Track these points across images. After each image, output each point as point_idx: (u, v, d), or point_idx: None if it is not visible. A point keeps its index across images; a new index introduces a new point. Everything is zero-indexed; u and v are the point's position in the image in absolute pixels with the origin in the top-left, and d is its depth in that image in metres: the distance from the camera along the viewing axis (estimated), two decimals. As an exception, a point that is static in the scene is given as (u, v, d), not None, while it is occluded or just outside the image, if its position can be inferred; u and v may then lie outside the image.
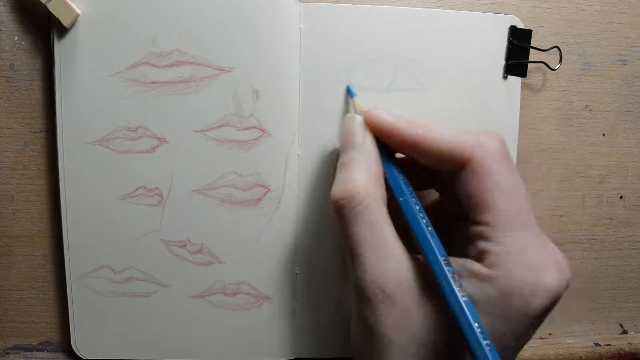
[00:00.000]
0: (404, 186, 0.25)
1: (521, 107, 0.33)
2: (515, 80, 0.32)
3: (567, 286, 0.23)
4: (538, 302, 0.22)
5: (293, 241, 0.32)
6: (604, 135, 0.36)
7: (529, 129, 0.35)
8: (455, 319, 0.21)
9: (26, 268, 0.33)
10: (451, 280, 0.22)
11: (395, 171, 0.26)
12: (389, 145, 0.26)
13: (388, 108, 0.31)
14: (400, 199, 0.25)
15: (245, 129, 0.31)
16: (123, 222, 0.31)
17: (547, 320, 0.38)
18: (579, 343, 0.37)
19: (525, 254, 0.22)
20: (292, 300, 0.33)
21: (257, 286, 0.32)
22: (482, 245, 0.23)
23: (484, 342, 0.21)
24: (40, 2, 0.28)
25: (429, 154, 0.25)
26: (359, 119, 0.26)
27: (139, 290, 0.32)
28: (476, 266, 0.23)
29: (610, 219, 0.37)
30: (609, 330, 0.38)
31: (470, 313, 0.21)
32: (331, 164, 0.31)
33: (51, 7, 0.28)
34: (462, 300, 0.21)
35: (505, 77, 0.32)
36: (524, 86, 0.34)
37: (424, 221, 0.24)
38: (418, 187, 0.27)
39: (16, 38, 0.31)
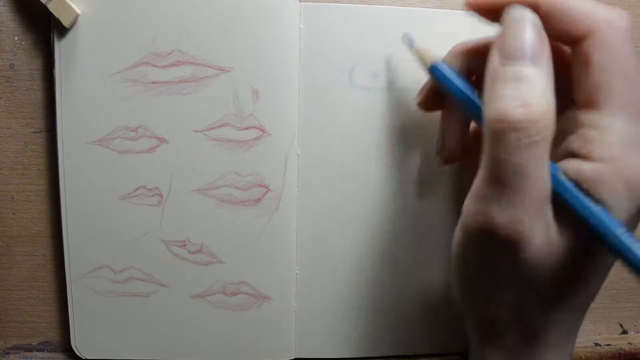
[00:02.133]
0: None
1: (521, 107, 0.33)
2: (514, 80, 0.32)
3: None
4: None
5: (293, 241, 0.32)
6: (603, 135, 0.36)
7: (529, 129, 0.35)
8: (595, 231, 0.20)
9: (26, 268, 0.33)
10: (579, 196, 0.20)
11: None
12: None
13: (388, 108, 0.31)
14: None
15: (245, 128, 0.31)
16: (123, 222, 0.31)
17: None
18: (579, 343, 0.37)
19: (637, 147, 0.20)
20: (292, 300, 0.33)
21: (257, 286, 0.32)
22: (591, 133, 0.21)
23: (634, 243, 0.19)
24: (41, 2, 0.28)
25: (552, 17, 0.22)
26: (535, 21, 0.21)
27: (139, 290, 0.32)
28: (584, 168, 0.21)
29: (610, 219, 0.37)
30: (609, 330, 0.38)
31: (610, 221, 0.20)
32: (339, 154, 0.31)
33: (51, 8, 0.28)
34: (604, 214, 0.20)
35: (504, 77, 0.32)
36: (523, 86, 0.33)
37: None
38: None
39: (16, 38, 0.31)
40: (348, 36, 0.31)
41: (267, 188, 0.31)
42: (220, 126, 0.31)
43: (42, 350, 0.34)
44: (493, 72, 0.21)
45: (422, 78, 0.29)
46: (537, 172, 0.20)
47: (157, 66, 0.30)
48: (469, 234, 0.22)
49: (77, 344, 0.32)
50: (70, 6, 0.28)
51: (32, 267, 0.33)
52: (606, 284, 0.37)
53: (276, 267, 0.32)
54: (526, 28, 0.21)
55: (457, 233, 0.24)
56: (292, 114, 0.31)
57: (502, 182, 0.20)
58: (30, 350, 0.34)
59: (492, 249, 0.22)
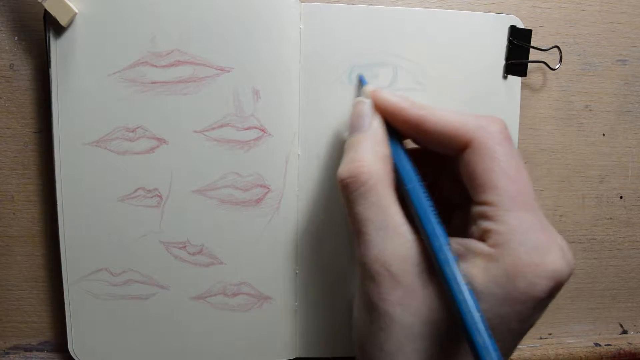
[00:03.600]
0: (410, 171, 0.25)
1: (521, 107, 0.33)
2: (515, 80, 0.32)
3: (571, 272, 0.23)
4: (543, 284, 0.22)
5: (293, 241, 0.32)
6: (604, 135, 0.36)
7: (529, 129, 0.35)
8: (455, 306, 0.21)
9: (26, 268, 0.33)
10: (453, 265, 0.22)
11: (402, 156, 0.26)
12: (395, 127, 0.26)
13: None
14: (409, 186, 0.25)
15: (246, 129, 0.31)
16: (122, 224, 0.31)
17: (547, 320, 0.38)
18: (579, 343, 0.37)
19: (528, 234, 0.22)
20: (292, 300, 0.33)
21: (257, 286, 0.32)
22: (485, 224, 0.23)
23: (484, 332, 0.20)
24: (38, 2, 0.28)
25: (432, 135, 0.25)
26: (367, 102, 0.27)
27: (138, 293, 0.32)
28: (479, 245, 0.23)
29: (610, 219, 0.37)
30: (609, 330, 0.38)
31: (472, 300, 0.21)
32: (334, 155, 0.32)
33: (47, 6, 0.28)
34: (463, 286, 0.21)
35: (505, 77, 0.32)
36: (524, 86, 0.34)
37: (430, 207, 0.24)
38: (425, 178, 0.27)
39: (16, 38, 0.31)
40: (348, 36, 0.30)
41: (268, 188, 0.31)
42: (221, 126, 0.31)
43: (42, 350, 0.34)
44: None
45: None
46: (377, 216, 0.24)
47: (156, 66, 0.30)
48: (359, 279, 0.25)
49: (75, 348, 0.32)
50: (67, 5, 0.28)
51: (32, 267, 0.33)
52: (606, 284, 0.38)
53: (277, 267, 0.32)
54: (356, 108, 0.27)
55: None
56: (293, 114, 0.31)
57: (355, 229, 0.24)
58: (30, 350, 0.34)
59: (368, 287, 0.24)
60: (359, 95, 0.30)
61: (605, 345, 0.37)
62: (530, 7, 0.34)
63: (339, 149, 0.31)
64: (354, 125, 0.27)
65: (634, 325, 0.39)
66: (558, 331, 0.38)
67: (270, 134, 0.31)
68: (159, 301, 0.32)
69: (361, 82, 0.30)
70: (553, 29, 0.34)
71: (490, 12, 0.33)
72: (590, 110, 0.35)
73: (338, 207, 0.32)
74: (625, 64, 0.35)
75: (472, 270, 0.22)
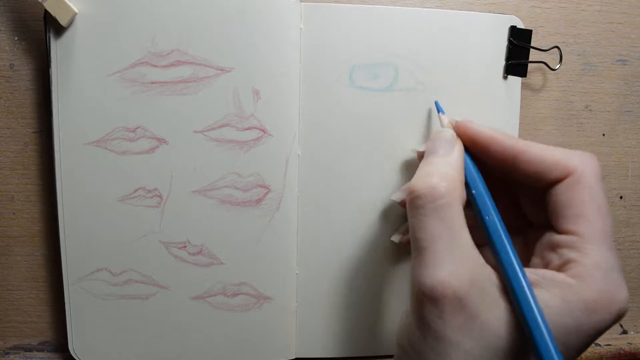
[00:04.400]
0: (489, 202, 0.25)
1: (521, 107, 0.33)
2: (515, 80, 0.32)
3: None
4: (610, 321, 0.22)
5: (293, 241, 0.32)
6: (604, 135, 0.36)
7: (529, 129, 0.35)
8: (528, 329, 0.21)
9: (26, 268, 0.33)
10: (529, 292, 0.22)
11: (481, 187, 0.26)
12: (482, 159, 0.27)
13: (388, 108, 0.31)
14: (487, 217, 0.25)
15: (246, 129, 0.31)
16: (122, 224, 0.31)
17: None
18: (579, 343, 0.37)
19: (610, 270, 0.23)
20: (292, 300, 0.33)
21: (257, 287, 0.32)
22: (570, 254, 0.23)
23: (556, 356, 0.21)
24: (38, 2, 0.28)
25: (531, 165, 0.25)
26: (450, 132, 0.27)
27: (138, 293, 0.32)
28: (560, 276, 0.23)
29: (610, 219, 0.37)
30: (609, 330, 0.38)
31: (544, 325, 0.21)
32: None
33: (48, 6, 0.28)
34: (537, 311, 0.21)
35: (505, 77, 0.32)
36: (524, 86, 0.34)
37: (507, 237, 0.24)
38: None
39: (16, 38, 0.31)
40: (348, 36, 0.30)
41: (268, 188, 0.31)
42: (221, 127, 0.31)
43: (42, 350, 0.34)
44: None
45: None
46: (449, 235, 0.23)
47: (156, 66, 0.30)
48: (413, 300, 0.24)
49: (75, 348, 0.32)
50: (67, 5, 0.28)
51: (32, 267, 0.33)
52: (606, 284, 0.38)
53: (277, 267, 0.32)
54: (438, 134, 0.27)
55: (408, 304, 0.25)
56: (293, 114, 0.31)
57: (421, 246, 0.23)
58: (30, 350, 0.34)
59: (427, 309, 0.23)
60: (438, 121, 0.31)
61: (605, 345, 0.37)
62: (530, 7, 0.34)
63: (339, 149, 0.31)
64: (434, 149, 0.26)
65: (634, 325, 0.39)
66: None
67: (270, 134, 0.31)
68: (159, 301, 0.32)
69: (437, 109, 0.30)
70: (553, 29, 0.34)
71: (490, 12, 0.33)
72: (590, 110, 0.35)
73: (338, 207, 0.32)
74: (625, 64, 0.35)
75: (547, 299, 0.22)
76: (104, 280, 0.31)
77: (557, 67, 0.33)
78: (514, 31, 0.32)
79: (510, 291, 0.22)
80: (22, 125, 0.31)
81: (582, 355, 0.36)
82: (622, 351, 0.37)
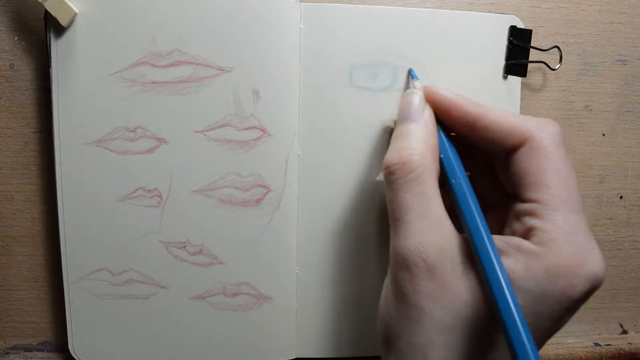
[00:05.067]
0: (457, 166, 0.25)
1: (521, 107, 0.33)
2: (515, 80, 0.32)
3: (605, 277, 0.23)
4: (581, 285, 0.22)
5: (293, 241, 0.32)
6: (604, 135, 0.36)
7: (529, 129, 0.35)
8: (494, 299, 0.21)
9: (26, 268, 0.33)
10: (496, 259, 0.22)
11: (450, 151, 0.26)
12: (445, 123, 0.27)
13: (388, 108, 0.31)
14: (455, 179, 0.25)
15: (246, 129, 0.31)
16: (122, 224, 0.31)
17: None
18: (579, 343, 0.37)
19: (574, 235, 0.22)
20: (292, 300, 0.33)
21: (257, 287, 0.32)
22: (532, 222, 0.23)
23: (521, 325, 0.20)
24: (38, 1, 0.28)
25: (488, 131, 0.25)
26: (419, 94, 0.27)
27: (138, 293, 0.32)
28: (524, 243, 0.23)
29: (610, 219, 0.37)
30: (609, 330, 0.38)
31: (510, 295, 0.21)
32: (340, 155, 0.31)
33: (48, 6, 0.28)
34: (505, 281, 0.21)
35: (505, 77, 0.32)
36: (524, 86, 0.34)
37: (475, 202, 0.24)
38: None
39: (16, 38, 0.31)
40: (348, 36, 0.30)
41: (268, 188, 0.31)
42: (221, 126, 0.31)
43: (42, 350, 0.34)
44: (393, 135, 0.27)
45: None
46: (421, 205, 0.24)
47: (156, 66, 0.30)
48: (390, 268, 0.25)
49: (75, 348, 0.32)
50: (67, 5, 0.28)
51: (32, 267, 0.33)
52: (606, 283, 0.38)
53: (277, 267, 0.32)
54: (407, 98, 0.27)
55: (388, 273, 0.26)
56: (293, 114, 0.31)
57: (395, 217, 0.24)
58: (30, 350, 0.34)
59: (401, 277, 0.24)
60: (409, 88, 0.30)
61: (605, 345, 0.37)
62: (530, 7, 0.34)
63: (339, 149, 0.31)
64: (404, 114, 0.27)
65: (634, 325, 0.39)
66: (558, 331, 0.38)
67: (270, 134, 0.31)
68: (159, 301, 0.32)
69: (411, 76, 0.30)
70: (553, 29, 0.34)
71: (490, 12, 0.33)
72: (590, 110, 0.35)
73: (338, 207, 0.32)
74: (625, 64, 0.35)
75: (512, 266, 0.22)
76: (104, 280, 0.31)
77: (557, 67, 0.33)
78: (514, 31, 0.32)
79: (476, 257, 0.22)
80: (22, 125, 0.31)
81: (582, 355, 0.36)
82: (622, 351, 0.37)
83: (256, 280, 0.32)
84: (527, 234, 0.23)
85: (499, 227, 0.26)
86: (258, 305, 0.33)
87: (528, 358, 0.20)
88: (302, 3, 0.30)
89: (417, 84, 0.29)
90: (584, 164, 0.36)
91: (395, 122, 0.29)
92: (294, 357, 0.34)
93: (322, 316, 0.33)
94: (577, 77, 0.35)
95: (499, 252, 0.22)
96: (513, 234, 0.24)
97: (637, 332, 0.39)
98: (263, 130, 0.31)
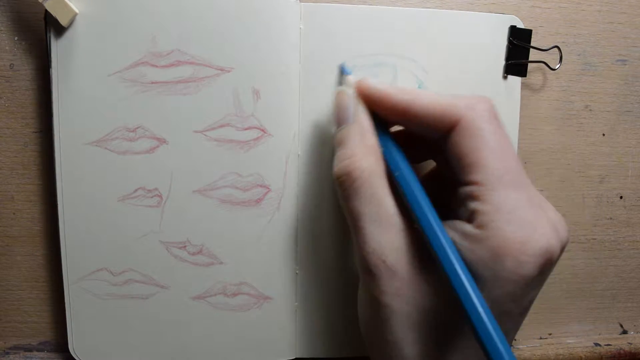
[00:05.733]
0: (398, 158, 0.25)
1: (521, 107, 0.33)
2: (515, 80, 0.32)
3: (563, 246, 0.23)
4: (531, 262, 0.22)
5: (293, 241, 0.32)
6: (604, 135, 0.36)
7: (529, 129, 0.35)
8: (454, 291, 0.21)
9: (26, 268, 0.33)
10: (448, 249, 0.22)
11: (390, 144, 0.26)
12: (381, 115, 0.26)
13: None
14: (397, 173, 0.25)
15: (246, 129, 0.31)
16: (122, 224, 0.31)
17: (547, 320, 0.38)
18: (579, 343, 0.37)
19: (515, 212, 0.22)
20: (292, 300, 0.33)
21: (257, 286, 0.32)
22: (472, 205, 0.23)
23: (482, 310, 0.20)
24: (38, 2, 0.28)
25: (420, 118, 0.25)
26: (349, 92, 0.27)
27: (138, 293, 0.32)
28: (467, 227, 0.23)
29: (610, 219, 0.37)
30: (609, 330, 0.38)
31: (468, 280, 0.21)
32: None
33: (48, 6, 0.28)
34: (460, 271, 0.21)
35: (505, 77, 0.32)
36: (524, 86, 0.34)
37: (420, 191, 0.24)
38: (415, 159, 0.27)
39: (16, 38, 0.31)
40: (348, 36, 0.30)
41: (268, 188, 0.31)
42: (221, 126, 0.31)
43: (42, 350, 0.34)
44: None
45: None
46: (371, 209, 0.24)
47: (156, 66, 0.30)
48: (359, 273, 0.25)
49: (75, 348, 0.32)
50: (68, 5, 0.28)
51: (32, 267, 0.33)
52: (606, 284, 0.38)
53: (277, 267, 0.32)
54: (338, 100, 0.27)
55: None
56: (293, 114, 0.31)
57: (352, 225, 0.25)
58: (30, 350, 0.34)
59: (367, 281, 0.24)
60: (341, 84, 0.30)
61: (605, 345, 0.37)
62: (530, 7, 0.34)
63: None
64: (339, 118, 0.27)
65: (634, 325, 0.39)
66: (558, 331, 0.38)
67: (270, 134, 0.31)
68: (159, 301, 0.32)
69: (343, 71, 0.30)
70: (553, 29, 0.34)
71: (490, 12, 0.33)
72: (590, 110, 0.35)
73: (338, 206, 0.32)
74: (625, 64, 0.35)
75: (461, 253, 0.22)
76: (104, 280, 0.31)
77: (557, 67, 0.33)
78: (514, 31, 0.32)
79: (429, 247, 0.22)
80: (22, 125, 0.31)
81: (582, 355, 0.36)
82: (622, 351, 0.37)
83: (256, 280, 0.32)
84: (469, 218, 0.23)
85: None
86: (258, 305, 0.33)
87: (494, 345, 0.20)
88: (302, 3, 0.30)
89: (349, 78, 0.28)
90: (584, 164, 0.36)
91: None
92: (294, 357, 0.34)
93: (322, 316, 0.33)
94: (577, 77, 0.35)
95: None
96: (460, 217, 0.24)
97: (637, 332, 0.39)
98: (263, 130, 0.31)
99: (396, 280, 0.23)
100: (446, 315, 0.23)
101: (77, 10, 0.29)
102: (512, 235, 0.22)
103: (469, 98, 0.24)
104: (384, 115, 0.26)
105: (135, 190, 0.31)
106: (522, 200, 0.22)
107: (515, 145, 0.33)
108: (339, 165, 0.25)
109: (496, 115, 0.24)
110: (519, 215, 0.22)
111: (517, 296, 0.22)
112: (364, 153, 0.25)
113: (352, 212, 0.24)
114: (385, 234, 0.24)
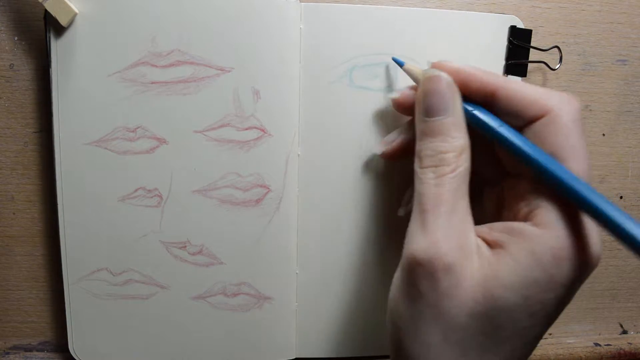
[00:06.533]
0: (495, 119, 0.24)
1: (521, 107, 0.33)
2: (515, 80, 0.32)
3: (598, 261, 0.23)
4: (582, 269, 0.22)
5: (293, 241, 0.32)
6: (604, 135, 0.36)
7: (529, 129, 0.35)
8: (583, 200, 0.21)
9: (26, 268, 0.33)
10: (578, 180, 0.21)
11: (483, 110, 0.25)
12: (464, 94, 0.25)
13: (388, 108, 0.31)
14: (500, 128, 0.24)
15: (246, 129, 0.31)
16: (122, 224, 0.31)
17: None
18: (579, 343, 0.37)
19: (579, 217, 0.22)
20: (292, 300, 0.33)
21: (257, 287, 0.32)
22: (537, 201, 0.23)
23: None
24: (38, 2, 0.28)
25: (510, 100, 0.24)
26: (446, 78, 0.25)
27: (138, 293, 0.32)
28: (527, 227, 0.22)
29: (610, 219, 0.37)
30: (609, 330, 0.38)
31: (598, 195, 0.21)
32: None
33: (48, 6, 0.28)
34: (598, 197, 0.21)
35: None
36: (524, 86, 0.33)
37: (525, 141, 0.23)
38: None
39: (16, 38, 0.31)
40: (348, 36, 0.30)
41: (268, 188, 0.31)
42: (221, 126, 0.31)
43: (42, 350, 0.34)
44: (419, 128, 0.25)
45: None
46: (453, 201, 0.23)
47: (156, 66, 0.30)
48: (402, 267, 0.24)
49: (75, 348, 0.32)
50: (67, 5, 0.28)
51: (32, 267, 0.33)
52: (606, 283, 0.38)
53: (277, 267, 0.32)
54: (436, 85, 0.25)
55: (396, 274, 0.25)
56: (293, 114, 0.31)
57: (424, 209, 0.23)
58: (30, 350, 0.34)
59: (418, 280, 0.23)
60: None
61: (605, 345, 0.37)
62: (530, 7, 0.34)
63: (339, 149, 0.31)
64: (433, 106, 0.25)
65: (634, 325, 0.39)
66: (558, 331, 0.38)
67: (270, 134, 0.31)
68: (159, 301, 0.32)
69: (398, 63, 0.29)
70: (553, 29, 0.34)
71: (490, 12, 0.33)
72: (590, 110, 0.35)
73: (338, 206, 0.32)
74: (625, 64, 0.35)
75: (516, 254, 0.22)
76: (104, 280, 0.31)
77: (557, 67, 0.33)
78: (514, 31, 0.32)
79: (544, 179, 0.22)
80: (22, 125, 0.31)
81: (582, 355, 0.37)
82: (622, 351, 0.37)
83: (256, 280, 0.32)
84: (529, 215, 0.23)
85: (493, 207, 0.26)
86: (258, 306, 0.33)
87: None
88: (302, 3, 0.30)
89: (412, 67, 0.27)
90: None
91: (396, 102, 0.28)
92: (294, 357, 0.34)
93: (322, 316, 0.33)
94: (577, 77, 0.35)
95: (497, 246, 0.22)
96: (515, 215, 0.24)
97: (637, 332, 0.39)
98: (263, 130, 0.31)
99: (450, 278, 0.22)
100: (489, 321, 0.22)
101: (77, 10, 0.29)
102: (575, 241, 0.22)
103: (561, 94, 0.24)
104: (468, 95, 0.25)
105: (135, 190, 0.31)
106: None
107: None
108: (438, 156, 0.24)
109: (581, 117, 0.24)
110: (582, 219, 0.22)
111: (561, 301, 0.22)
112: (464, 144, 0.24)
113: (431, 197, 0.23)
114: (454, 229, 0.23)
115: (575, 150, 0.23)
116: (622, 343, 0.38)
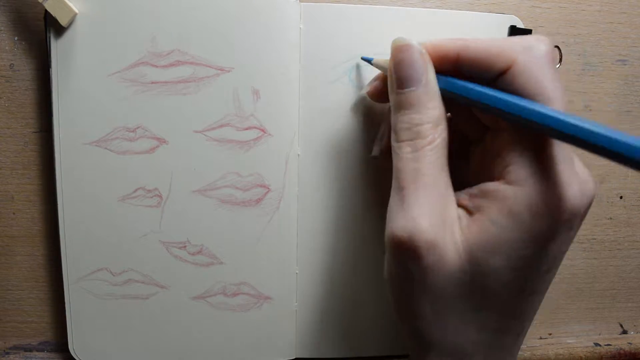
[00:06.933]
0: (469, 85, 0.23)
1: (521, 107, 0.33)
2: (515, 80, 0.32)
3: (589, 203, 0.22)
4: (578, 205, 0.21)
5: (293, 241, 0.32)
6: (604, 135, 0.36)
7: (529, 129, 0.35)
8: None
9: (26, 268, 0.33)
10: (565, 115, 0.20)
11: (453, 79, 0.24)
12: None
13: (388, 108, 0.31)
14: (478, 89, 0.23)
15: (246, 129, 0.31)
16: (122, 224, 0.31)
17: (547, 320, 0.38)
18: (579, 343, 0.37)
19: (559, 164, 0.21)
20: (292, 300, 0.33)
21: (257, 286, 0.32)
22: (509, 156, 0.22)
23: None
24: (38, 2, 0.28)
25: (474, 59, 0.23)
26: (418, 48, 0.24)
27: (138, 293, 0.32)
28: (501, 187, 0.22)
29: (610, 219, 0.37)
30: (609, 330, 0.38)
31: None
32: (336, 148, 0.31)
33: (48, 6, 0.28)
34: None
35: (505, 77, 0.32)
36: (524, 86, 0.33)
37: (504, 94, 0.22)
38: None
39: (16, 38, 0.31)
40: (348, 36, 0.30)
41: (268, 188, 0.31)
42: (221, 126, 0.31)
43: (42, 350, 0.34)
44: (392, 100, 0.25)
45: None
46: (432, 174, 0.22)
47: (156, 66, 0.30)
48: (386, 247, 0.24)
49: (75, 348, 0.32)
50: (67, 5, 0.28)
51: (32, 267, 0.33)
52: (606, 284, 0.38)
53: (277, 267, 0.32)
54: (408, 55, 0.24)
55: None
56: (293, 114, 0.31)
57: (402, 186, 0.23)
58: (30, 350, 0.34)
59: (402, 258, 0.23)
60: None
61: (605, 345, 0.37)
62: (530, 7, 0.34)
63: (339, 149, 0.31)
64: (405, 77, 0.24)
65: (634, 325, 0.39)
66: (558, 331, 0.38)
67: (270, 134, 0.31)
68: (159, 301, 0.32)
69: (367, 61, 0.29)
70: (553, 29, 0.34)
71: (490, 12, 0.33)
72: (590, 110, 0.35)
73: (338, 206, 0.32)
74: (625, 64, 0.35)
75: (495, 218, 0.22)
76: (104, 280, 0.31)
77: (557, 67, 0.33)
78: (514, 31, 0.32)
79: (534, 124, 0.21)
80: (22, 125, 0.31)
81: (582, 355, 0.37)
82: (622, 351, 0.37)
83: (256, 280, 0.32)
84: (503, 172, 0.22)
85: (478, 166, 0.25)
86: (258, 305, 0.33)
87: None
88: (302, 3, 0.30)
89: (379, 60, 0.27)
90: (584, 164, 0.36)
91: (390, 89, 0.25)
92: (294, 357, 0.34)
93: (322, 316, 0.33)
94: (577, 77, 0.35)
95: (473, 212, 0.22)
96: (491, 174, 0.23)
97: (637, 332, 0.39)
98: (263, 130, 0.31)
99: (435, 254, 0.22)
100: (477, 288, 0.23)
101: (77, 10, 0.29)
102: (555, 189, 0.21)
103: (526, 38, 0.23)
104: (436, 66, 0.24)
105: (135, 190, 0.31)
106: (565, 153, 0.22)
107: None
108: (411, 129, 0.23)
109: (553, 59, 0.22)
110: (560, 167, 0.21)
111: (554, 258, 0.22)
112: (438, 118, 0.23)
113: (408, 172, 0.23)
114: (434, 203, 0.22)
115: (549, 92, 0.21)
116: (622, 343, 0.38)
